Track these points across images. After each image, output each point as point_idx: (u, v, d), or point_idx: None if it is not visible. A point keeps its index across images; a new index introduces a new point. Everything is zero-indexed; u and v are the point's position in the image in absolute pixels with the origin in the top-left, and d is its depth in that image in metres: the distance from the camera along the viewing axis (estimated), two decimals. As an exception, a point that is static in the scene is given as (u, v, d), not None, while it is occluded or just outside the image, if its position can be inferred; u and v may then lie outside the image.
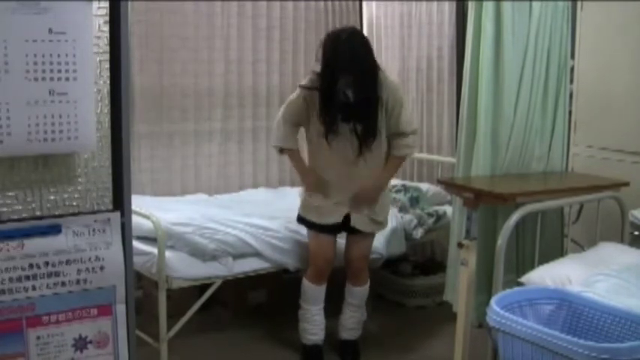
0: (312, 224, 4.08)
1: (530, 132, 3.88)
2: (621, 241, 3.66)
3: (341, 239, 4.20)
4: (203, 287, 4.21)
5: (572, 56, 4.26)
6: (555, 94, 3.96)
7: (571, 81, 4.21)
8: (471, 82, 3.78)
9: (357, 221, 4.03)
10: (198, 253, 4.04)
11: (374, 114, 3.89)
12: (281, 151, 4.12)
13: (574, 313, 2.95)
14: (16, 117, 1.94)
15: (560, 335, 2.62)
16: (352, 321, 4.29)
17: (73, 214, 2.12)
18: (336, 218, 4.03)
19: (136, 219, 3.01)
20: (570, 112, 4.25)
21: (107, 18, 2.20)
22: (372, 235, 4.17)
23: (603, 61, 4.38)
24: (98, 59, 2.14)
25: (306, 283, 4.17)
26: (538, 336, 2.64)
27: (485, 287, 3.66)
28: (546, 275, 3.21)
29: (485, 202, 3.49)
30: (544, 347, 2.62)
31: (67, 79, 2.02)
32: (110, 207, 2.19)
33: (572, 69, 4.24)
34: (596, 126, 4.45)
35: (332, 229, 4.08)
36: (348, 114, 3.87)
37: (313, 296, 4.16)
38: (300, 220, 4.15)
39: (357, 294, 4.25)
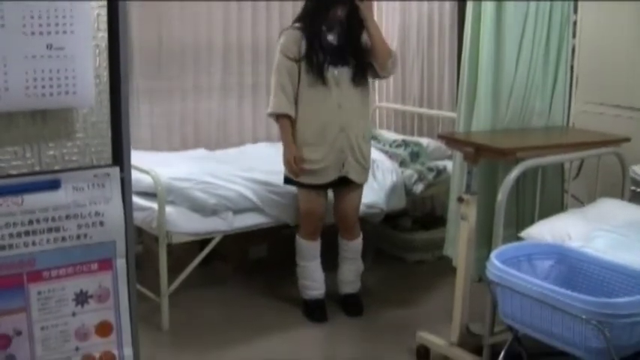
0: (304, 184, 4.08)
1: (532, 87, 3.85)
2: (621, 197, 3.66)
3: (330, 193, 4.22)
4: (203, 242, 4.24)
5: (575, 11, 4.21)
6: (557, 49, 3.93)
7: (573, 36, 4.17)
8: (472, 36, 3.74)
9: (352, 172, 4.04)
10: (199, 208, 4.05)
11: (359, 56, 3.97)
12: (277, 118, 4.08)
13: (573, 268, 2.97)
14: (14, 72, 1.92)
15: (559, 289, 2.63)
16: (350, 274, 4.32)
17: (73, 170, 2.11)
18: (330, 177, 4.03)
19: (136, 174, 3.01)
20: (572, 68, 4.22)
21: (104, -29, 2.18)
22: (361, 187, 4.19)
23: (606, 16, 4.34)
24: (96, 13, 2.11)
25: (300, 241, 4.18)
26: (537, 290, 2.66)
27: (485, 242, 3.67)
28: (546, 230, 3.22)
29: (486, 156, 3.48)
30: (543, 301, 2.64)
31: (65, 32, 2.00)
32: (109, 162, 2.18)
33: (574, 24, 4.19)
34: (599, 81, 4.42)
35: (324, 186, 4.08)
36: (335, 56, 3.95)
37: (309, 252, 4.18)
38: (288, 181, 4.13)
39: (352, 247, 4.26)
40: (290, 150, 4.02)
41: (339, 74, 3.96)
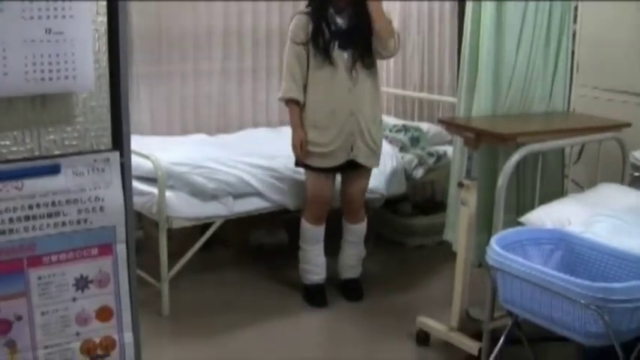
0: (313, 167, 4.08)
1: (532, 72, 3.84)
2: (621, 182, 3.65)
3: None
4: (204, 227, 4.24)
5: (577, -5, 4.21)
6: (558, 34, 3.92)
7: (574, 21, 4.16)
8: (473, 20, 3.73)
9: (360, 156, 4.04)
10: (199, 192, 4.05)
11: (368, 40, 3.94)
12: (287, 103, 4.10)
13: (573, 253, 2.98)
14: (13, 56, 1.91)
15: (559, 274, 2.64)
16: (352, 259, 4.33)
17: (72, 154, 2.11)
18: (338, 161, 4.03)
19: (136, 159, 3.01)
20: (573, 53, 4.20)
21: (103, -45, 2.16)
22: (369, 172, 4.19)
23: (607, 2, 4.32)
24: (95, -3, 2.11)
25: (305, 225, 4.18)
26: (537, 275, 2.66)
27: (485, 227, 3.67)
28: (546, 216, 3.22)
29: (486, 141, 3.48)
30: (543, 286, 2.64)
31: (64, 17, 1.99)
32: (109, 147, 2.18)
33: (575, 9, 4.18)
34: (599, 66, 4.41)
35: (332, 170, 4.08)
36: (344, 41, 3.94)
37: (313, 237, 4.18)
38: (299, 164, 4.15)
39: (356, 231, 4.27)
40: (297, 134, 4.03)
41: (349, 58, 3.95)
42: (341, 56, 3.94)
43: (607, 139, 3.71)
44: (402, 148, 4.88)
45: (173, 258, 4.07)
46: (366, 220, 4.30)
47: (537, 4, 3.78)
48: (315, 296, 4.24)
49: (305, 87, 4.03)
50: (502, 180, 3.23)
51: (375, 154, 4.14)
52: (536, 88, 3.89)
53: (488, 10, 3.65)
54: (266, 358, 3.68)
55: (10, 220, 2.03)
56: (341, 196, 4.24)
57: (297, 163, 4.15)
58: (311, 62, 3.98)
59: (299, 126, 4.04)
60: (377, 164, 4.22)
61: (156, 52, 5.05)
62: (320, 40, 3.93)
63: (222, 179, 4.12)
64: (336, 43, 3.94)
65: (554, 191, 3.90)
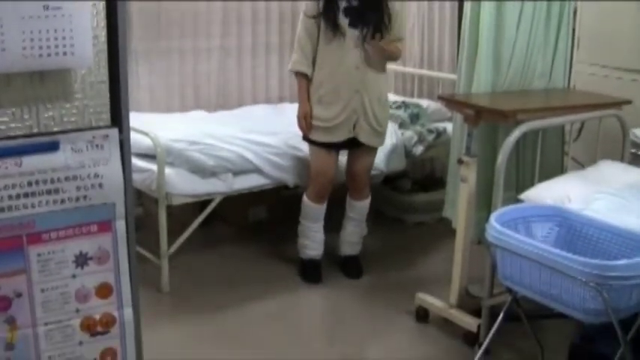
0: (317, 142, 4.08)
1: (533, 49, 3.83)
2: (621, 159, 3.65)
3: (342, 156, 4.21)
4: (203, 203, 4.24)
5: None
6: (559, 11, 3.90)
7: (575, -3, 4.14)
8: (474, -4, 3.72)
9: (362, 135, 4.03)
10: (198, 169, 4.05)
11: (380, 17, 3.92)
12: (295, 75, 4.11)
13: (572, 231, 2.98)
14: (10, 33, 1.89)
15: (558, 251, 2.64)
16: (353, 236, 4.34)
17: (71, 131, 2.10)
18: (339, 137, 4.02)
19: (135, 136, 2.99)
20: (574, 30, 4.18)
21: None
22: (375, 150, 4.19)
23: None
24: (92, -28, 2.09)
25: (306, 202, 4.18)
26: (536, 252, 2.66)
27: (484, 204, 3.67)
28: (546, 193, 3.22)
29: (486, 118, 3.47)
30: (542, 263, 2.64)
31: (62, -8, 1.98)
32: (108, 123, 2.17)
33: (577, -16, 4.17)
34: (600, 43, 4.39)
35: (336, 147, 4.08)
36: (354, 18, 3.92)
37: (313, 215, 4.18)
38: (304, 138, 4.14)
39: (359, 208, 4.28)
40: (303, 107, 4.05)
41: (359, 35, 3.93)
42: (351, 33, 3.93)
43: (607, 116, 3.70)
44: (402, 125, 4.87)
45: (173, 235, 4.07)
46: (370, 198, 4.30)
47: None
48: (310, 271, 4.25)
49: (314, 61, 4.03)
50: (502, 157, 3.22)
51: (379, 133, 4.13)
52: (536, 64, 3.88)
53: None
54: (266, 333, 3.69)
55: (9, 197, 2.02)
56: (346, 174, 4.25)
57: (303, 137, 4.16)
58: (321, 37, 3.98)
59: (305, 99, 4.05)
60: (381, 143, 4.22)
61: (155, 29, 5.01)
62: (330, 15, 3.91)
63: (222, 156, 4.11)
64: (347, 19, 3.91)
65: (554, 168, 3.90)
